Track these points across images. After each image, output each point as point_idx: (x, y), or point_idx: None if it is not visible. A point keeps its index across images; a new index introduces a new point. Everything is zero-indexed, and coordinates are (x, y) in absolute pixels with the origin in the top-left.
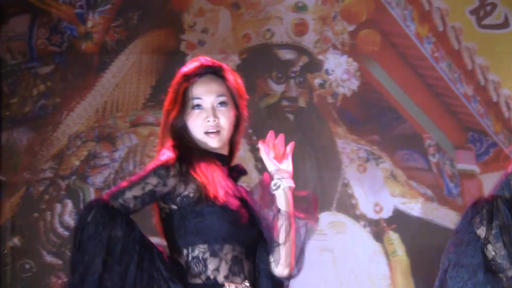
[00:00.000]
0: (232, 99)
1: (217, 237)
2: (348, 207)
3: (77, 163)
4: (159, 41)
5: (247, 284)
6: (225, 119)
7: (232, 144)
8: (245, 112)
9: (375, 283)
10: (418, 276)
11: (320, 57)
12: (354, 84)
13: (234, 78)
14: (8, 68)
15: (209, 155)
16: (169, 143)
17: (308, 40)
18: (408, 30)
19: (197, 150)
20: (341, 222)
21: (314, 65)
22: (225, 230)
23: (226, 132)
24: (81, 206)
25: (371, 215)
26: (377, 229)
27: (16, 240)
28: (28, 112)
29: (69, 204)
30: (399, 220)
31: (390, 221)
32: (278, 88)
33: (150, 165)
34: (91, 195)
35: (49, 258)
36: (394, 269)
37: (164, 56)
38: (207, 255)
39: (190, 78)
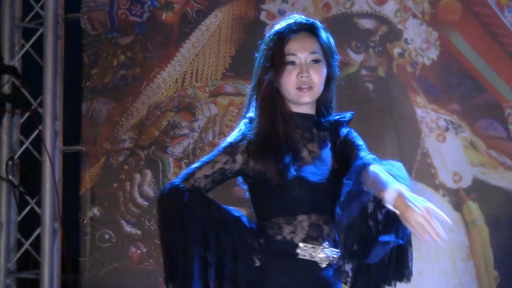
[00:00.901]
0: (325, 56)
1: (289, 210)
2: (427, 177)
3: (156, 133)
4: (239, 11)
5: (326, 245)
6: (318, 75)
7: (323, 102)
8: (336, 71)
9: (454, 252)
10: (497, 245)
11: (400, 26)
12: (433, 53)
13: (327, 37)
14: (89, 38)
15: (289, 122)
16: (250, 112)
17: (388, 9)
18: None
19: (279, 119)
20: (420, 191)
21: (394, 35)
22: (297, 203)
23: (318, 88)
24: (160, 176)
25: (450, 184)
26: (456, 199)
27: (95, 211)
28: (108, 83)
29: (149, 174)
30: (478, 189)
31: (469, 190)
32: (358, 58)
33: (224, 139)
34: (171, 165)
35: (128, 229)
36: (473, 238)
37: (244, 26)
38: (283, 224)
39: (284, 35)
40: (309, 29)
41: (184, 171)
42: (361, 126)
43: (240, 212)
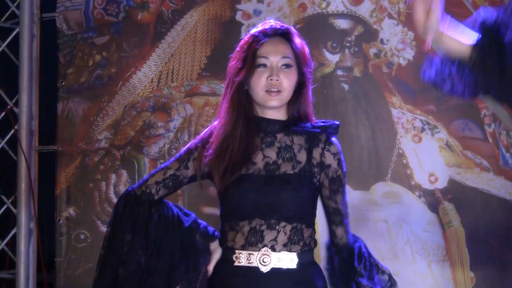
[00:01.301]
0: (297, 62)
1: (233, 216)
2: (403, 177)
3: (132, 133)
4: (214, 11)
5: (265, 251)
6: (288, 80)
7: (295, 108)
8: (307, 79)
9: (429, 253)
10: (473, 246)
11: (376, 26)
12: (409, 53)
13: (301, 43)
14: (64, 38)
15: (251, 126)
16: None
17: (364, 10)
18: None
19: (241, 122)
20: (396, 192)
21: (370, 35)
22: (239, 208)
23: (286, 93)
24: (136, 177)
25: (426, 185)
26: (432, 200)
27: (71, 211)
28: (84, 83)
29: (124, 174)
30: (454, 190)
31: (445, 191)
32: (333, 58)
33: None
34: (146, 165)
35: (103, 228)
36: (449, 239)
37: (219, 26)
38: (228, 231)
39: (258, 38)
40: (283, 35)
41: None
42: None
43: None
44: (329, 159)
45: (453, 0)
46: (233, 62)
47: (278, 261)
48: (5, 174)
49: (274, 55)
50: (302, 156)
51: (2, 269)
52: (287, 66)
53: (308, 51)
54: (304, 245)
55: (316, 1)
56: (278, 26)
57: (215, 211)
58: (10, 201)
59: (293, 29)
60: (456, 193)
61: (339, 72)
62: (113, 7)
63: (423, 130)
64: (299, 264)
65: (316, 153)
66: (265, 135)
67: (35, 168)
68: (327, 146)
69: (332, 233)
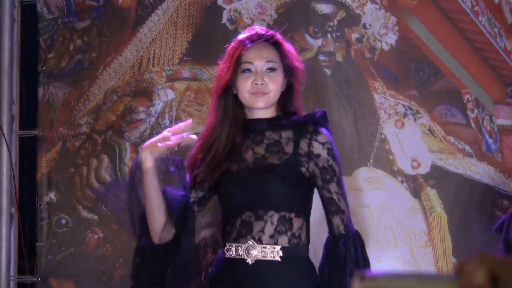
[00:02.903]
0: (283, 66)
1: (227, 211)
2: (385, 163)
3: (113, 118)
4: None
5: (251, 242)
6: (273, 83)
7: (284, 106)
8: (296, 81)
9: (412, 239)
10: (455, 232)
11: (358, 11)
12: (392, 38)
13: (287, 48)
14: (45, 23)
15: (238, 129)
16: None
17: None
18: None
19: (229, 125)
20: (378, 178)
21: (352, 20)
22: (231, 202)
23: (273, 94)
24: (117, 161)
25: (409, 170)
26: (415, 185)
27: (52, 195)
28: (65, 67)
29: (106, 159)
30: (437, 176)
31: (427, 177)
32: (315, 43)
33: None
34: (127, 150)
35: (85, 213)
36: (432, 225)
37: (201, 10)
38: (226, 227)
39: (243, 44)
40: (269, 40)
41: None
42: None
43: None
44: (318, 148)
45: (452, 7)
46: (220, 67)
47: (263, 253)
48: None
49: (258, 60)
50: (289, 148)
51: None
52: (272, 69)
53: (296, 54)
54: (292, 237)
55: None
56: (263, 32)
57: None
58: None
59: (278, 35)
60: (439, 178)
61: (321, 57)
62: None
63: (405, 115)
64: (283, 257)
65: (304, 143)
66: (255, 135)
67: (16, 153)
68: (314, 136)
69: (329, 223)
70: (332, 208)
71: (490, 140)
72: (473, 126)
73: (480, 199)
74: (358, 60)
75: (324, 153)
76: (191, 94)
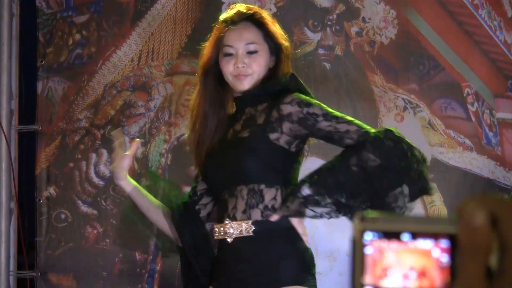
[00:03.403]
0: (267, 44)
1: (214, 194)
2: None
3: (112, 112)
4: None
5: (227, 221)
6: (256, 64)
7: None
8: (282, 58)
9: None
10: None
11: (357, 5)
12: (391, 32)
13: (268, 24)
14: (44, 17)
15: (221, 114)
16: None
17: None
18: None
19: (211, 113)
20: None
21: (351, 13)
22: (213, 184)
23: (257, 75)
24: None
25: None
26: None
27: (51, 190)
28: (64, 62)
29: (105, 153)
30: (436, 169)
31: (427, 170)
32: (315, 37)
33: None
34: (127, 144)
35: (84, 208)
36: None
37: (200, 4)
38: (217, 210)
39: (225, 26)
40: (250, 19)
41: None
42: None
43: None
44: (286, 108)
45: (452, 0)
46: (205, 48)
47: (238, 231)
48: None
49: (238, 42)
50: (261, 119)
51: None
52: (253, 52)
53: (280, 31)
54: (265, 209)
55: None
56: (243, 10)
57: None
58: None
59: (259, 11)
60: (439, 172)
61: (321, 51)
62: None
63: (405, 109)
64: (256, 231)
65: (274, 111)
66: (238, 113)
67: (15, 148)
68: (281, 101)
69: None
70: (336, 139)
71: (490, 134)
72: (473, 119)
73: (480, 193)
74: (357, 53)
75: (294, 108)
76: (190, 89)
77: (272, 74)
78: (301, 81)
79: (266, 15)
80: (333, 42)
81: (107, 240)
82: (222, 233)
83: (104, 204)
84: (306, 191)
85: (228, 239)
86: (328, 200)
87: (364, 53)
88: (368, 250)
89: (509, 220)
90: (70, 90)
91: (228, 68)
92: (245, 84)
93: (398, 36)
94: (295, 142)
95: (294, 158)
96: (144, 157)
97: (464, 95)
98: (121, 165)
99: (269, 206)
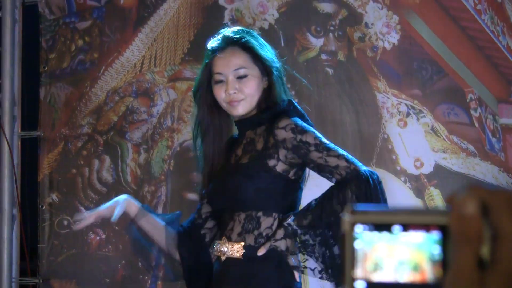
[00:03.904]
0: (257, 67)
1: (213, 214)
2: (388, 162)
3: (115, 118)
4: None
5: (223, 240)
6: (247, 88)
7: (267, 100)
8: (273, 78)
9: None
10: None
11: (360, 10)
12: (394, 37)
13: (255, 48)
14: (46, 23)
15: (224, 138)
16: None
17: None
18: None
19: (212, 136)
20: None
21: (354, 19)
22: (216, 205)
23: (250, 98)
24: (119, 162)
25: (412, 170)
26: (418, 185)
27: (54, 196)
28: (67, 68)
29: (107, 159)
30: (440, 175)
31: (431, 176)
32: (317, 42)
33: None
34: (129, 150)
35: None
36: None
37: (202, 10)
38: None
39: (212, 53)
40: (237, 43)
41: None
42: (320, 111)
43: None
44: (281, 134)
45: (454, 5)
46: (199, 76)
47: (231, 251)
48: None
49: (227, 69)
50: (260, 145)
51: None
52: (243, 76)
53: (271, 48)
54: (259, 236)
55: None
56: (230, 35)
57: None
58: None
59: (246, 35)
60: (442, 178)
61: (323, 56)
62: None
63: (408, 114)
64: (245, 256)
65: (270, 137)
66: (239, 137)
67: (17, 154)
68: (275, 125)
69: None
70: (326, 172)
71: (494, 139)
72: (476, 125)
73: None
74: (360, 59)
75: (288, 134)
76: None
77: (267, 95)
78: (299, 107)
79: (251, 39)
80: (335, 47)
81: (110, 246)
82: (218, 251)
83: None
84: (290, 222)
85: (222, 257)
86: (311, 236)
87: (366, 59)
88: (359, 244)
89: (500, 209)
90: (72, 96)
91: (221, 95)
92: (239, 110)
93: (401, 41)
94: (292, 170)
95: (294, 185)
96: (147, 163)
97: (467, 100)
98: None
99: (264, 234)
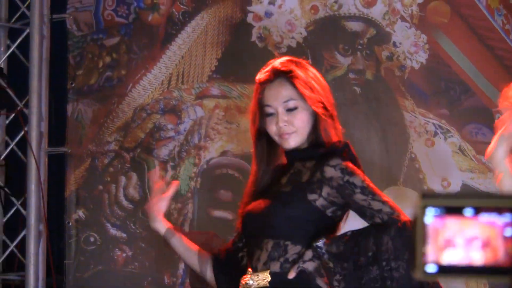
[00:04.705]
0: (306, 99)
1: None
2: (415, 182)
3: (142, 135)
4: (225, 13)
5: (249, 271)
6: (298, 121)
7: (316, 135)
8: (323, 112)
9: None
10: None
11: (388, 29)
12: (422, 57)
13: (307, 79)
14: (74, 39)
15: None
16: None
17: (377, 12)
18: (478, 1)
19: (263, 165)
20: (408, 197)
21: (382, 38)
22: (248, 232)
23: (301, 131)
24: (146, 179)
25: (439, 190)
26: None
27: (80, 213)
28: (94, 84)
29: (134, 176)
30: None
31: None
32: (345, 61)
33: None
34: (156, 168)
35: (113, 231)
36: None
37: (230, 28)
38: None
39: (261, 85)
40: (285, 76)
41: None
42: (347, 129)
43: None
44: (329, 172)
45: (465, 2)
46: (250, 109)
47: (256, 282)
48: (15, 176)
49: (276, 101)
50: (305, 177)
51: (11, 271)
52: (293, 108)
53: (323, 81)
54: (285, 262)
55: (328, 3)
56: (277, 67)
57: (225, 214)
58: (19, 202)
59: (295, 67)
60: None
61: (351, 75)
62: (123, 9)
63: (435, 134)
64: (271, 283)
65: (318, 172)
66: (288, 167)
67: (44, 170)
68: (326, 162)
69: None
70: (367, 215)
71: None
72: None
73: None
74: (388, 78)
75: (336, 173)
76: (220, 112)
77: (315, 127)
78: (353, 152)
79: (299, 73)
80: (363, 66)
81: (136, 263)
82: (244, 285)
83: (133, 227)
84: (320, 245)
85: None
86: (335, 267)
87: (394, 78)
88: (429, 220)
89: None
90: (100, 113)
91: (272, 129)
92: (290, 142)
93: (429, 60)
94: (331, 208)
95: (329, 223)
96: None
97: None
98: (158, 208)
99: (290, 259)
